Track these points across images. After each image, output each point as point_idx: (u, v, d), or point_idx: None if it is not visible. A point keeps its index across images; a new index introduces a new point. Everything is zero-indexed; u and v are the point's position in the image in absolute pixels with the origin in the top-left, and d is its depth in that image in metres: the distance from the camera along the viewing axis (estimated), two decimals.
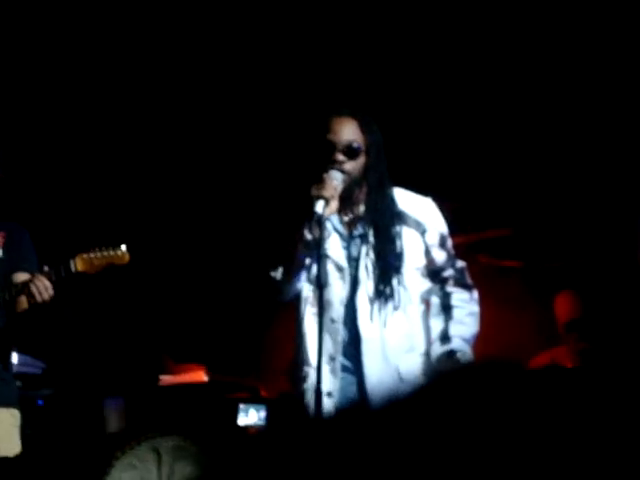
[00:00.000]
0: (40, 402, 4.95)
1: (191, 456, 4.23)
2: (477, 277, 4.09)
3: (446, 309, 3.89)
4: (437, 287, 3.92)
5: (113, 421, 5.26)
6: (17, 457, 4.08)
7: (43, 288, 3.99)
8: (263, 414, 3.56)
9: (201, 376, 5.49)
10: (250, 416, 3.61)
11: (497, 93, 5.80)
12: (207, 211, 6.49)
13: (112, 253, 4.09)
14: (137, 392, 5.44)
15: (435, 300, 3.92)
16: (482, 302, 3.99)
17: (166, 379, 5.48)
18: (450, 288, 3.91)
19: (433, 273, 3.91)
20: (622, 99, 5.61)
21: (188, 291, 6.53)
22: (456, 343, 3.83)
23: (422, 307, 3.91)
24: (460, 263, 3.96)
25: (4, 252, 4.23)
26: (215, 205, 6.47)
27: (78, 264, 4.06)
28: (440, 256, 3.91)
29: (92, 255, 4.08)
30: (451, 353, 3.82)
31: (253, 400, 4.87)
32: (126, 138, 6.36)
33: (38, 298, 3.99)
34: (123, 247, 4.10)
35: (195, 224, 6.51)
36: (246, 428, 4.18)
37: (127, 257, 4.10)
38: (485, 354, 5.28)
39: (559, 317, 5.68)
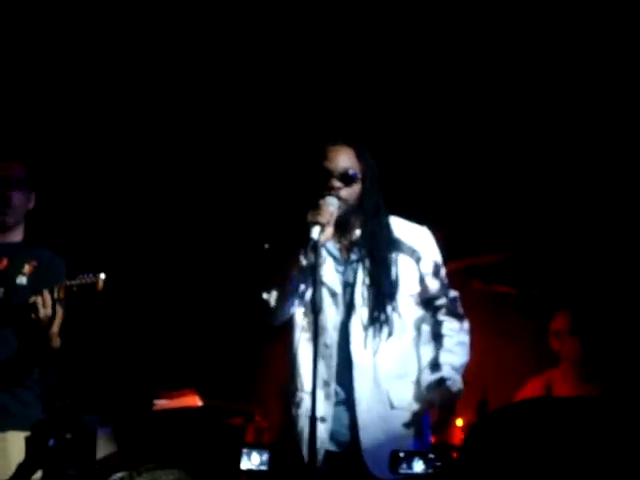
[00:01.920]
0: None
1: None
2: (470, 303, 4.12)
3: (437, 337, 3.92)
4: (429, 315, 3.96)
5: (104, 448, 5.27)
6: None
7: (41, 303, 4.07)
8: (266, 458, 3.60)
9: (195, 401, 5.49)
10: (253, 460, 3.64)
11: (488, 120, 5.83)
12: (201, 237, 6.49)
13: (89, 280, 4.13)
14: (131, 417, 5.44)
15: (426, 328, 3.95)
16: (475, 328, 4.03)
17: (160, 404, 5.48)
18: (442, 317, 3.95)
19: (426, 301, 3.95)
20: (611, 131, 5.65)
21: (181, 316, 6.53)
22: (446, 371, 3.86)
23: (415, 334, 3.93)
24: (453, 292, 4.00)
25: (29, 281, 4.28)
26: (209, 232, 6.48)
27: (60, 291, 4.13)
28: (434, 285, 3.95)
29: (73, 282, 4.14)
30: (441, 381, 3.84)
31: (256, 444, 4.89)
32: (111, 168, 6.37)
33: (39, 313, 4.06)
34: (102, 275, 4.13)
35: (189, 250, 6.51)
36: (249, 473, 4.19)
37: (102, 285, 4.12)
38: (477, 379, 5.32)
39: (557, 326, 5.72)
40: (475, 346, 4.01)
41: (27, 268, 4.30)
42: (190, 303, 6.49)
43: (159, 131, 6.27)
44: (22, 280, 4.28)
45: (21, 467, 4.14)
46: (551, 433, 3.21)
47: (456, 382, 3.87)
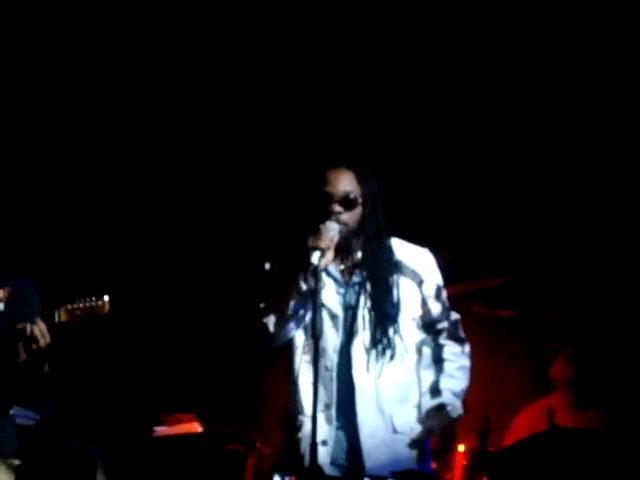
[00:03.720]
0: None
1: None
2: (471, 326, 4.11)
3: (438, 362, 3.91)
4: (430, 338, 3.94)
5: (104, 476, 5.25)
6: None
7: (39, 333, 3.96)
8: None
9: (195, 427, 5.46)
10: None
11: (489, 144, 5.84)
12: (202, 262, 6.49)
13: (94, 304, 4.07)
14: (131, 444, 5.41)
15: (427, 351, 3.93)
16: (475, 351, 4.01)
17: (160, 430, 5.46)
18: (443, 340, 3.93)
19: (428, 324, 3.93)
20: (615, 152, 5.66)
21: (180, 341, 6.51)
22: (446, 397, 3.84)
23: (416, 357, 3.91)
24: (454, 315, 3.98)
25: (7, 305, 4.19)
26: (209, 257, 6.48)
27: (62, 315, 4.04)
28: (436, 308, 3.93)
29: (75, 306, 4.06)
30: (441, 407, 3.83)
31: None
32: (112, 189, 6.36)
33: (39, 343, 3.97)
34: (106, 297, 4.07)
35: (189, 276, 6.51)
36: None
37: (107, 307, 4.06)
38: (479, 404, 5.30)
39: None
40: (476, 371, 4.00)
41: (2, 293, 4.20)
42: (190, 328, 6.48)
43: (161, 150, 6.27)
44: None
45: None
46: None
47: (456, 408, 3.85)
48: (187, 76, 6.00)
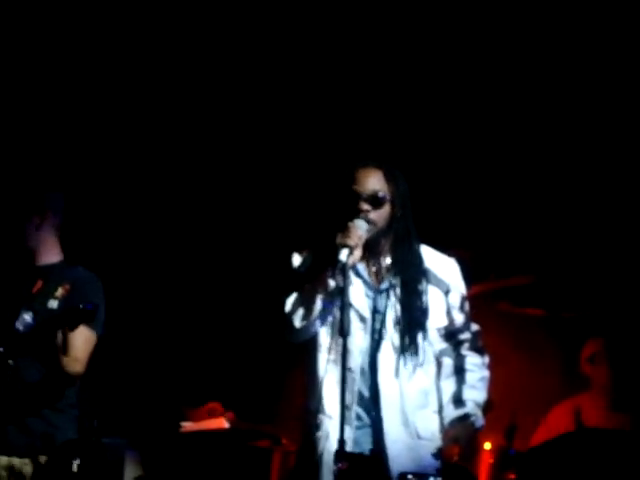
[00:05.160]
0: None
1: None
2: (498, 324, 4.12)
3: (459, 372, 3.94)
4: (450, 348, 3.97)
5: (131, 472, 5.26)
6: None
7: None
8: None
9: (222, 423, 5.47)
10: None
11: (517, 142, 5.82)
12: (229, 259, 6.49)
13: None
14: (158, 440, 5.42)
15: (448, 361, 3.97)
16: (503, 349, 4.04)
17: (188, 426, 5.46)
18: (465, 351, 3.97)
19: (450, 334, 3.96)
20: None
21: (206, 336, 6.52)
22: (470, 407, 3.89)
23: (436, 365, 3.94)
24: (475, 327, 4.02)
25: (60, 305, 4.26)
26: (237, 253, 6.48)
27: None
28: (459, 318, 3.97)
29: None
30: (465, 417, 3.87)
31: None
32: (130, 186, 6.38)
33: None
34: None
35: (217, 272, 6.52)
36: None
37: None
38: (506, 402, 5.29)
39: (587, 353, 5.68)
40: (504, 369, 4.03)
41: (60, 291, 4.28)
42: (216, 322, 6.49)
43: (186, 146, 6.28)
44: (53, 304, 4.26)
45: None
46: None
47: (479, 418, 3.90)
48: (211, 71, 6.01)
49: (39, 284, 4.32)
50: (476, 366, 3.95)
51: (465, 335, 3.96)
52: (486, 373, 3.97)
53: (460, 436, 3.84)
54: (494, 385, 5.36)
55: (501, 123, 5.79)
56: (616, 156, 5.71)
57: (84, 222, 5.34)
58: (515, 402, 5.45)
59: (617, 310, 5.87)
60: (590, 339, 5.75)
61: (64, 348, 4.18)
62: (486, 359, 3.98)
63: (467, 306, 3.98)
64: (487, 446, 5.34)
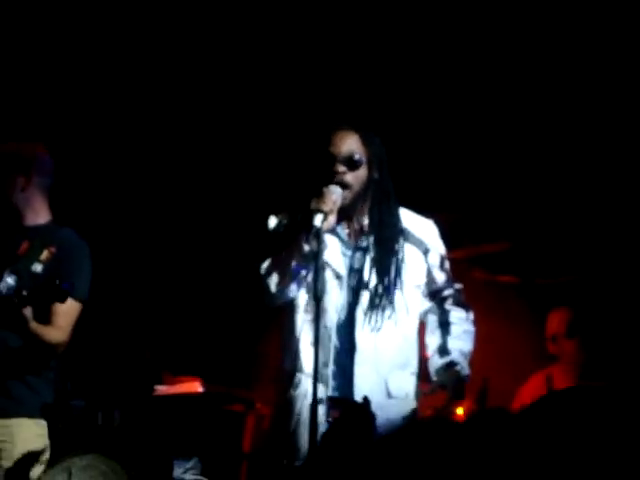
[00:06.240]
0: None
1: (102, 475, 4.22)
2: (472, 291, 4.14)
3: (444, 325, 3.97)
4: (435, 306, 4.00)
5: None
6: None
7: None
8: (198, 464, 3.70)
9: (196, 387, 5.48)
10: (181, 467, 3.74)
11: (493, 107, 5.82)
12: (203, 223, 6.49)
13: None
14: (131, 404, 5.43)
15: (432, 317, 4.01)
16: (477, 318, 4.05)
17: (161, 389, 5.48)
18: (448, 306, 4.01)
19: (433, 292, 4.00)
20: (612, 111, 5.63)
21: (181, 301, 6.52)
22: (455, 356, 3.92)
23: (417, 326, 3.97)
24: (458, 284, 4.05)
25: (45, 269, 4.21)
26: (212, 218, 6.47)
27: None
28: (440, 276, 4.00)
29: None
30: (450, 364, 3.90)
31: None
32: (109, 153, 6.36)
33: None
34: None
35: (192, 236, 6.51)
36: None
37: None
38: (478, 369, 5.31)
39: (553, 329, 5.70)
40: (477, 336, 4.04)
41: (45, 254, 4.23)
42: (190, 288, 6.49)
43: (158, 110, 6.26)
44: (37, 268, 4.21)
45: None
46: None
47: (464, 368, 3.93)
48: (185, 35, 5.98)
49: (25, 245, 4.28)
50: (461, 319, 3.98)
51: (448, 292, 4.00)
52: (471, 327, 4.00)
53: (446, 382, 3.86)
54: None
55: (476, 87, 5.78)
56: (585, 125, 5.72)
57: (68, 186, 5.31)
58: (487, 368, 5.47)
59: (591, 277, 5.90)
60: (550, 314, 5.75)
61: (47, 317, 4.16)
62: (471, 315, 4.02)
63: (447, 265, 4.02)
64: (460, 411, 5.37)
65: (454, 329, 3.97)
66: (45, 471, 4.15)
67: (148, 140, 6.37)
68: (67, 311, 4.20)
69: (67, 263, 4.21)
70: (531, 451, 3.19)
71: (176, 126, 6.31)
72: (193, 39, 5.95)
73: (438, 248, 4.01)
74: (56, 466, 4.19)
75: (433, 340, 3.97)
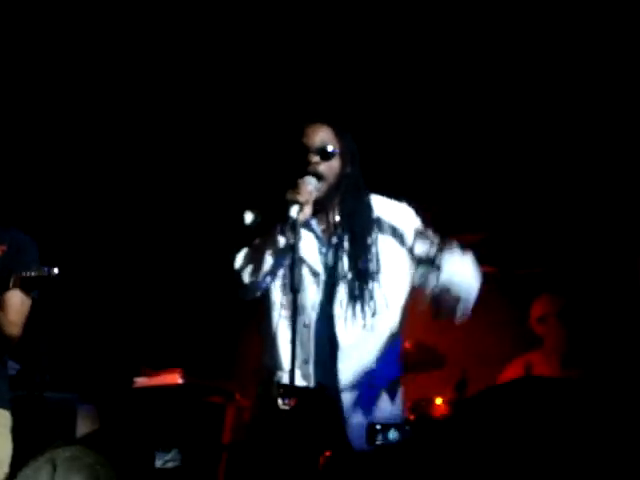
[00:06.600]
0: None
1: (86, 467, 4.24)
2: None
3: (442, 263, 3.83)
4: (432, 268, 3.85)
5: (84, 426, 5.28)
6: None
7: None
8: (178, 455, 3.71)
9: (175, 379, 5.49)
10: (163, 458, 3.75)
11: (468, 99, 5.84)
12: (183, 218, 6.49)
13: (44, 273, 4.14)
14: (111, 396, 5.44)
15: (433, 271, 3.84)
16: None
17: (140, 381, 5.48)
18: (439, 260, 3.85)
19: (427, 261, 3.87)
20: (596, 105, 5.65)
21: (161, 294, 6.53)
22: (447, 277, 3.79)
23: (399, 320, 3.93)
24: (448, 240, 3.90)
25: None
26: (189, 210, 6.48)
27: (16, 282, 4.15)
28: (422, 248, 3.90)
29: (29, 274, 4.15)
30: (448, 289, 3.78)
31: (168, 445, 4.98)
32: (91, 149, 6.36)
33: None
34: (56, 270, 4.14)
35: (171, 229, 6.51)
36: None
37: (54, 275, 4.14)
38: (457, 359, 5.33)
39: (544, 309, 5.72)
40: (455, 325, 4.02)
41: None
42: (170, 281, 6.49)
43: (141, 102, 6.26)
44: None
45: None
46: (534, 414, 3.23)
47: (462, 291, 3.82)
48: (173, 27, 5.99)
49: None
50: (453, 252, 3.84)
51: (434, 248, 3.86)
52: (470, 259, 3.89)
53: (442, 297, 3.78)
54: (445, 342, 5.44)
55: (455, 79, 5.80)
56: (560, 114, 5.75)
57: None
58: (466, 358, 5.51)
59: (569, 267, 5.92)
60: (538, 298, 5.80)
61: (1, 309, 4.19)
62: (469, 254, 3.90)
63: (428, 232, 3.90)
64: (438, 401, 5.40)
65: (446, 262, 3.83)
66: (29, 463, 4.16)
67: (122, 135, 6.37)
68: (22, 305, 4.25)
69: (22, 256, 4.26)
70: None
71: (148, 122, 6.31)
72: (167, 32, 5.96)
73: (412, 225, 3.93)
74: (40, 458, 4.20)
75: (432, 277, 3.83)
